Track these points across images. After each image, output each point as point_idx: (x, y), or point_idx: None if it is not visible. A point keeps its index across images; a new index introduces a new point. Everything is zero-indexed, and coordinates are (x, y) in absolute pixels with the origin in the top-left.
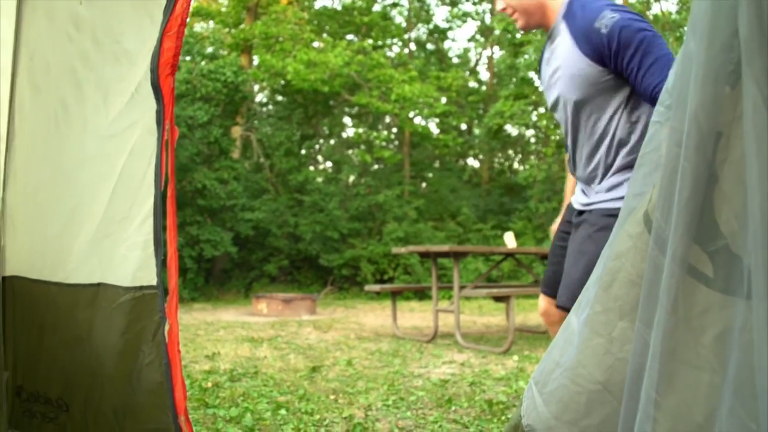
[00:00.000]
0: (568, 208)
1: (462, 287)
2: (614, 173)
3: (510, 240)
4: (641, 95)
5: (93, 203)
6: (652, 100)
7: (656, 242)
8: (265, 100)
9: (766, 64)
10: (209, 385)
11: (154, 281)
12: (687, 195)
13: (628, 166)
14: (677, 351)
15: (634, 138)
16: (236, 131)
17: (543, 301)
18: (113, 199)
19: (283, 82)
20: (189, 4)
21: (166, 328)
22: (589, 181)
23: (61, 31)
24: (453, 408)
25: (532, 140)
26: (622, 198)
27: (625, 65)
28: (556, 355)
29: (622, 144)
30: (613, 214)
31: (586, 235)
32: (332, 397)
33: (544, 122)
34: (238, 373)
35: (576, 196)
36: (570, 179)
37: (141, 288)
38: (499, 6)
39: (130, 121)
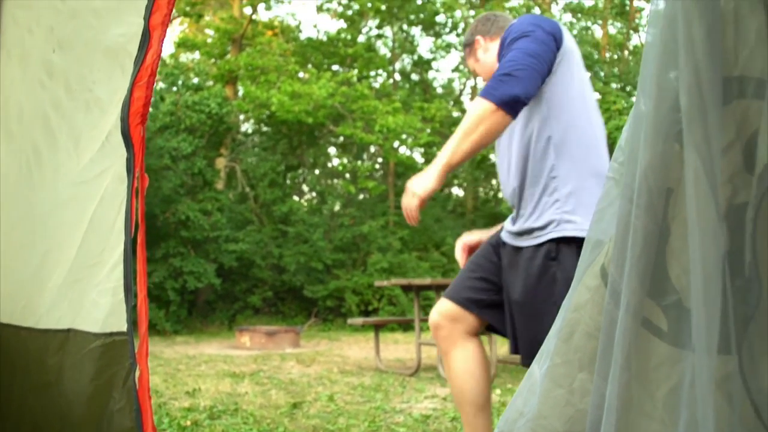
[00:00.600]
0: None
1: None
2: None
3: None
4: None
5: (64, 248)
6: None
7: (612, 296)
8: (250, 130)
9: (705, 131)
10: (188, 423)
11: (124, 327)
12: (639, 251)
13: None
14: (632, 405)
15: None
16: (221, 162)
17: (443, 310)
18: (84, 245)
19: (267, 113)
20: (159, 56)
21: (137, 374)
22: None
23: (34, 78)
24: None
25: None
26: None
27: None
28: (519, 404)
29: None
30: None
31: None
32: None
33: None
34: (219, 410)
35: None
36: None
37: (111, 334)
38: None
39: (101, 168)
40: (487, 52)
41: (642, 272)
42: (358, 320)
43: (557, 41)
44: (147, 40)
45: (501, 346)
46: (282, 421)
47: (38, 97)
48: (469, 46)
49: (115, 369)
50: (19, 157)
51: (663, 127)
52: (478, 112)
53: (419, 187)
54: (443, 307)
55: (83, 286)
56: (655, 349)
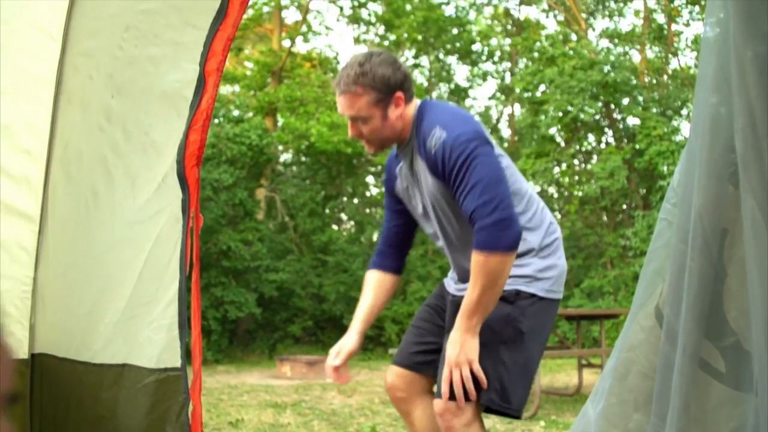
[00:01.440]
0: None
1: None
2: None
3: None
4: (463, 213)
5: (120, 286)
6: (472, 222)
7: (667, 337)
8: (289, 161)
9: (761, 173)
10: None
11: (178, 363)
12: (695, 292)
13: None
14: None
15: None
16: (261, 193)
17: (397, 374)
18: (139, 283)
19: (306, 143)
20: (214, 101)
21: (190, 409)
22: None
23: (93, 122)
24: None
25: (555, 196)
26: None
27: (451, 183)
28: None
29: None
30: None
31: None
32: None
33: (567, 179)
34: None
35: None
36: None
37: (166, 370)
38: (351, 133)
39: (157, 208)
40: (395, 116)
41: (698, 314)
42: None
43: (489, 141)
44: (202, 85)
45: (543, 377)
46: None
47: (97, 140)
48: (375, 90)
49: (168, 404)
50: (78, 199)
51: (717, 169)
52: (492, 266)
53: (471, 353)
54: (396, 372)
55: (138, 323)
56: (714, 392)
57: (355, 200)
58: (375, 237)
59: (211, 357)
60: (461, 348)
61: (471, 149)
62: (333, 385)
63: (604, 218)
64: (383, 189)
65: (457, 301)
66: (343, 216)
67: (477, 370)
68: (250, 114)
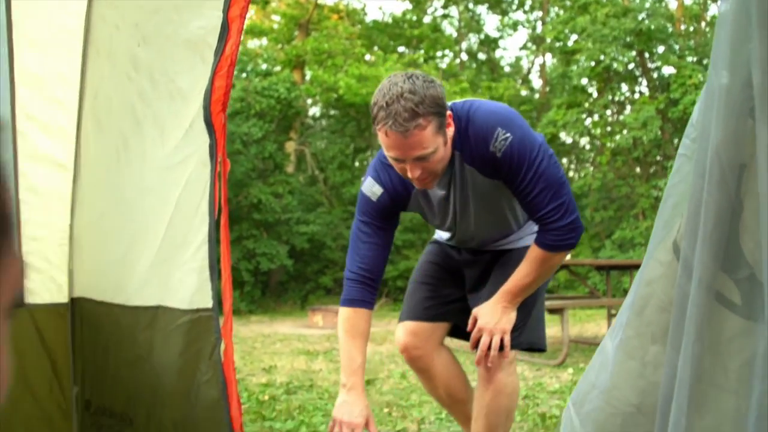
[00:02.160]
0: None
1: None
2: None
3: None
4: (528, 214)
5: (152, 230)
6: (538, 221)
7: (684, 270)
8: (318, 114)
9: None
10: (266, 398)
11: (209, 304)
12: (711, 226)
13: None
14: (704, 376)
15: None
16: (290, 146)
17: (410, 331)
18: (170, 227)
19: (335, 96)
20: (238, 46)
21: (222, 348)
22: (484, 244)
23: (121, 72)
24: None
25: (587, 148)
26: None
27: (517, 184)
28: (591, 377)
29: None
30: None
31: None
32: (386, 410)
33: (598, 130)
34: (294, 386)
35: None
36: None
37: (198, 310)
38: (414, 175)
39: (185, 154)
40: (449, 138)
41: (715, 247)
42: None
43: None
44: (226, 31)
45: (572, 326)
46: None
47: (125, 89)
48: (436, 115)
49: (201, 343)
50: (109, 147)
51: (736, 103)
52: (554, 262)
53: (507, 325)
54: (411, 329)
55: (170, 266)
56: (728, 323)
57: None
58: None
59: (244, 308)
60: (499, 319)
61: (538, 151)
62: None
63: (637, 169)
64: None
65: (468, 262)
66: None
67: (507, 341)
68: (278, 67)
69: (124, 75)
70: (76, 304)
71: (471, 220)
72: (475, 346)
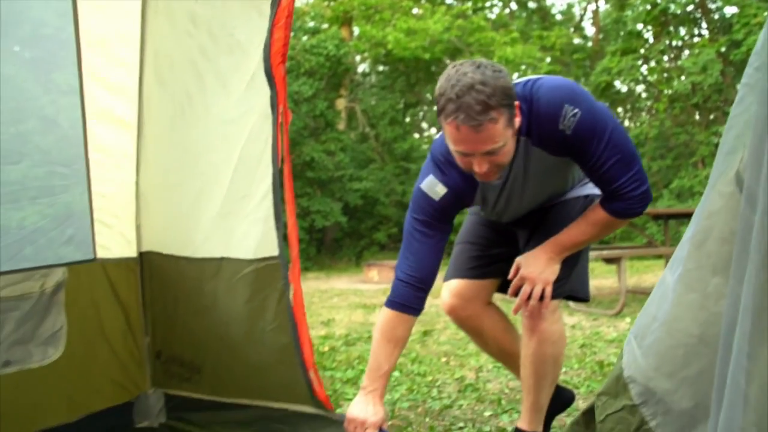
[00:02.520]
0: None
1: None
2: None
3: None
4: (601, 187)
5: (216, 184)
6: (611, 192)
7: (747, 200)
8: (367, 70)
9: None
10: (326, 349)
11: (275, 252)
12: None
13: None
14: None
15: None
16: (341, 103)
17: (456, 292)
18: (234, 180)
19: (384, 51)
20: None
21: (291, 292)
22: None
23: (180, 28)
24: (564, 369)
25: (643, 95)
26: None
27: (588, 159)
28: (652, 310)
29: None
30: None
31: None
32: (444, 359)
33: (655, 77)
34: (353, 337)
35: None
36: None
37: (263, 259)
38: (483, 169)
39: (247, 107)
40: (515, 130)
41: None
42: None
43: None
44: None
45: (630, 277)
46: (414, 347)
47: (186, 45)
48: (507, 107)
49: (267, 291)
50: (173, 103)
51: None
52: (615, 227)
53: (551, 277)
54: (457, 289)
55: (235, 218)
56: None
57: (435, 107)
58: None
59: (300, 265)
60: (543, 270)
61: (606, 122)
62: None
63: (696, 116)
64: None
65: (518, 222)
66: (424, 124)
67: (549, 292)
68: (326, 25)
69: (184, 32)
70: (144, 258)
71: (524, 201)
72: (515, 293)
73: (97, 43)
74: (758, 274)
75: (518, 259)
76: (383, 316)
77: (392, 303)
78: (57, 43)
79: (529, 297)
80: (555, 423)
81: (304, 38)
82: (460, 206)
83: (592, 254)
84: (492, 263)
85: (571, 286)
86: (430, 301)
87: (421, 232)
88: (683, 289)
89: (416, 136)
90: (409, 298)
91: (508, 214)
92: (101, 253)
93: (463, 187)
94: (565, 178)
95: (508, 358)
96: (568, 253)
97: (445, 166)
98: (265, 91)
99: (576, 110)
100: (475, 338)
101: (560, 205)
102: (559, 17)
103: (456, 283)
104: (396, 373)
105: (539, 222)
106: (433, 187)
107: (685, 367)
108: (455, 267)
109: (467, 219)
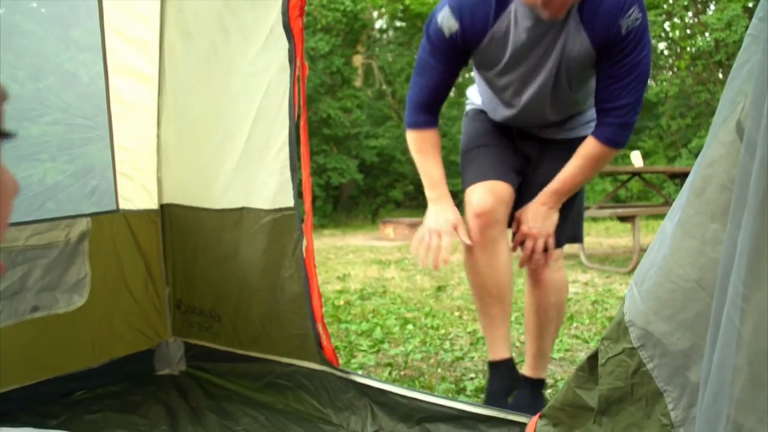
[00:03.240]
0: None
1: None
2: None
3: (636, 159)
4: (602, 102)
5: (236, 136)
6: (607, 110)
7: (747, 148)
8: (384, 26)
9: None
10: (341, 303)
11: (291, 203)
12: None
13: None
14: (764, 249)
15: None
16: (357, 60)
17: (495, 191)
18: (253, 131)
19: (401, 7)
20: None
21: (304, 244)
22: (547, 125)
23: None
24: (575, 324)
25: (665, 53)
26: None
27: (616, 66)
28: (652, 256)
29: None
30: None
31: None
32: (457, 313)
33: (677, 33)
34: (368, 292)
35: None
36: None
37: (280, 210)
38: None
39: (266, 60)
40: None
41: None
42: None
43: None
44: None
45: (644, 236)
46: (428, 302)
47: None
48: None
49: (284, 241)
50: (200, 55)
51: None
52: (608, 160)
53: (551, 228)
54: (489, 188)
55: (254, 169)
56: None
57: None
58: None
59: (316, 222)
60: (543, 222)
61: (647, 41)
62: None
63: (719, 74)
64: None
65: (522, 136)
66: None
67: (552, 244)
68: None
69: None
70: (165, 209)
71: (547, 94)
72: (517, 247)
73: None
74: (755, 219)
75: (518, 214)
76: (410, 137)
77: (412, 124)
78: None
79: (532, 251)
80: (562, 373)
81: None
82: (468, 50)
83: (606, 212)
84: (512, 172)
85: (570, 232)
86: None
87: (429, 63)
88: (682, 234)
89: None
90: (424, 117)
91: (525, 106)
92: (123, 205)
93: (476, 28)
94: (583, 92)
95: (501, 296)
96: (564, 199)
97: (463, 4)
98: (283, 44)
99: (640, 15)
100: (487, 257)
101: (566, 143)
102: None
103: (489, 183)
104: (409, 326)
105: (543, 157)
106: (447, 20)
107: (682, 310)
108: (481, 169)
109: (469, 126)
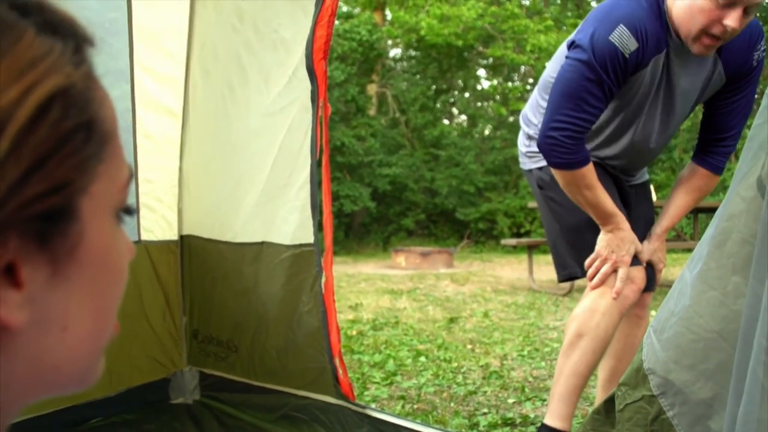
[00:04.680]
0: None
1: None
2: None
3: None
4: (714, 132)
5: (257, 172)
6: (718, 140)
7: None
8: (399, 56)
9: None
10: (354, 333)
11: (311, 239)
12: None
13: None
14: None
15: None
16: (372, 88)
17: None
18: (274, 169)
19: (416, 37)
20: None
21: (323, 280)
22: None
23: (227, 23)
24: None
25: None
26: None
27: (733, 97)
28: (671, 305)
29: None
30: None
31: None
32: (469, 346)
33: None
34: (380, 322)
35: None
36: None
37: (300, 245)
38: (734, 24)
39: (288, 100)
40: None
41: None
42: (512, 241)
43: None
44: None
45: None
46: (440, 334)
47: (231, 39)
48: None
49: (303, 276)
50: (216, 94)
51: None
52: (709, 186)
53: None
54: (642, 272)
55: (274, 205)
56: None
57: (467, 94)
58: (487, 131)
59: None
60: (664, 254)
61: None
62: (446, 275)
63: None
64: (494, 82)
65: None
66: (455, 110)
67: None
68: (359, 9)
69: (230, 26)
70: (184, 241)
71: (666, 122)
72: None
73: (148, 36)
74: None
75: (648, 256)
76: (580, 174)
77: (579, 163)
78: (111, 35)
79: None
80: (577, 412)
81: (337, 23)
82: (631, 72)
83: None
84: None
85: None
86: (456, 288)
87: (594, 94)
88: (703, 286)
89: (446, 122)
90: (585, 152)
91: (646, 132)
92: (145, 236)
93: (649, 52)
94: (678, 123)
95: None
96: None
97: (647, 18)
98: (306, 85)
99: (765, 49)
100: (620, 327)
101: (646, 184)
102: (593, 4)
103: (640, 268)
104: (422, 358)
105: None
106: (626, 39)
107: (704, 360)
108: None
109: None
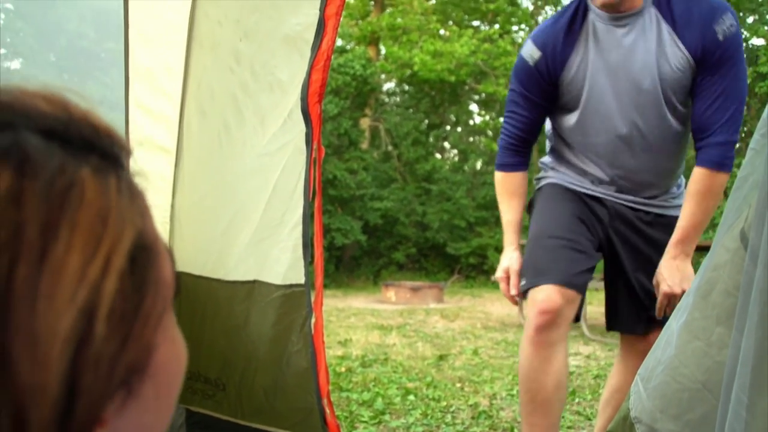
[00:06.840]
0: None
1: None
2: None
3: None
4: (701, 125)
5: (251, 211)
6: (704, 131)
7: (751, 258)
8: (392, 90)
9: None
10: (343, 369)
11: (302, 280)
12: None
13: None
14: (766, 356)
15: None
16: (365, 122)
17: (565, 294)
18: (268, 208)
19: (410, 72)
20: (334, 42)
21: (313, 320)
22: (640, 186)
23: (224, 64)
24: (577, 400)
25: None
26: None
27: (708, 81)
28: (658, 354)
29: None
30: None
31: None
32: (458, 385)
33: None
34: (369, 359)
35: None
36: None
37: (291, 286)
38: None
39: (283, 142)
40: None
41: None
42: None
43: None
44: (322, 28)
45: None
46: (429, 372)
47: (228, 80)
48: None
49: (293, 316)
50: (212, 133)
51: None
52: (720, 186)
53: (690, 281)
54: (561, 292)
55: (267, 244)
56: None
57: (459, 129)
58: (479, 166)
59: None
60: (683, 277)
61: (742, 51)
62: (436, 310)
63: None
64: (486, 118)
65: (620, 211)
66: (447, 144)
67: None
68: (353, 44)
69: (227, 67)
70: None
71: (632, 117)
72: (662, 312)
73: (145, 75)
74: (758, 328)
75: (655, 278)
76: (496, 178)
77: (499, 166)
78: (109, 65)
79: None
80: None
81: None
82: (552, 78)
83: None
84: (587, 274)
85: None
86: (445, 324)
87: (516, 102)
88: (688, 336)
89: (438, 156)
90: (512, 159)
91: (599, 121)
92: None
93: (557, 52)
94: (676, 133)
95: (557, 402)
96: (693, 245)
97: (544, 28)
98: (301, 128)
99: (734, 25)
100: (542, 360)
101: (664, 222)
102: None
103: (561, 289)
104: (411, 397)
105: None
106: (530, 50)
107: (689, 411)
108: (556, 269)
109: (546, 204)
